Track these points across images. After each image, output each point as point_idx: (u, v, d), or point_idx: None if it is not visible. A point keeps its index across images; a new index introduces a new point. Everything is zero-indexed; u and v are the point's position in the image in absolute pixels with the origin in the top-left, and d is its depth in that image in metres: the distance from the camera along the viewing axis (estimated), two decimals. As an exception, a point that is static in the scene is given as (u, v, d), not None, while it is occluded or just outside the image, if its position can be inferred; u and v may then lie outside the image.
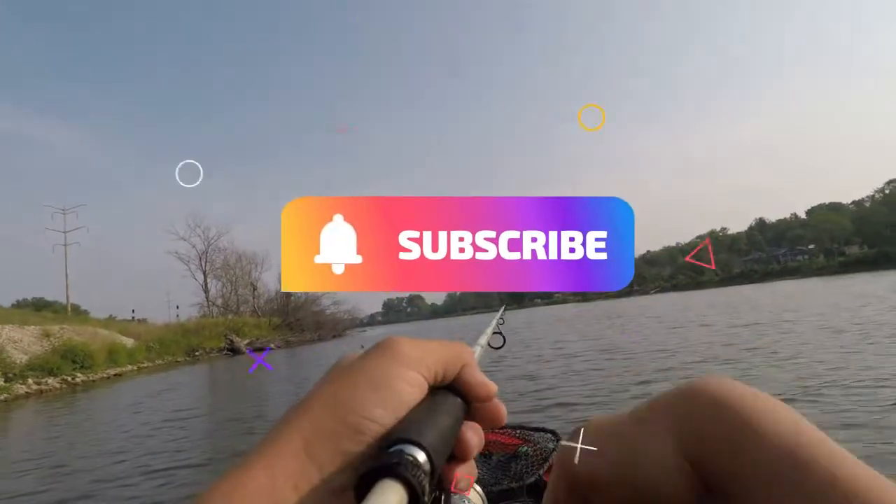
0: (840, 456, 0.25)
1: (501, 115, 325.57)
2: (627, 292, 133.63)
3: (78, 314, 47.12)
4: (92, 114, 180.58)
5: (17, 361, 19.84)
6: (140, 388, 17.87)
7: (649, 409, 0.35)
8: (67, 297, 51.60)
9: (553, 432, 2.30)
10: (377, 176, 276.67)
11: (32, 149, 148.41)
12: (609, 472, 0.33)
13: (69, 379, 20.51)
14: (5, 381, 17.40)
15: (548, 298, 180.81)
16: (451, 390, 0.32)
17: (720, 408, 0.30)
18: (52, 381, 19.41)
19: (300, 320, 54.89)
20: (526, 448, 2.20)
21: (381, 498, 0.21)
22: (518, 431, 2.45)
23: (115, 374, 24.03)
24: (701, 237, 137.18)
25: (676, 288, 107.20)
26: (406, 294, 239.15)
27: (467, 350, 0.34)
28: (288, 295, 58.62)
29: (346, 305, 64.19)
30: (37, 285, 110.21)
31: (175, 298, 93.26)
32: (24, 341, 23.00)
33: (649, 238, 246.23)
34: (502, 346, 0.88)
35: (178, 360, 34.69)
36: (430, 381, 0.30)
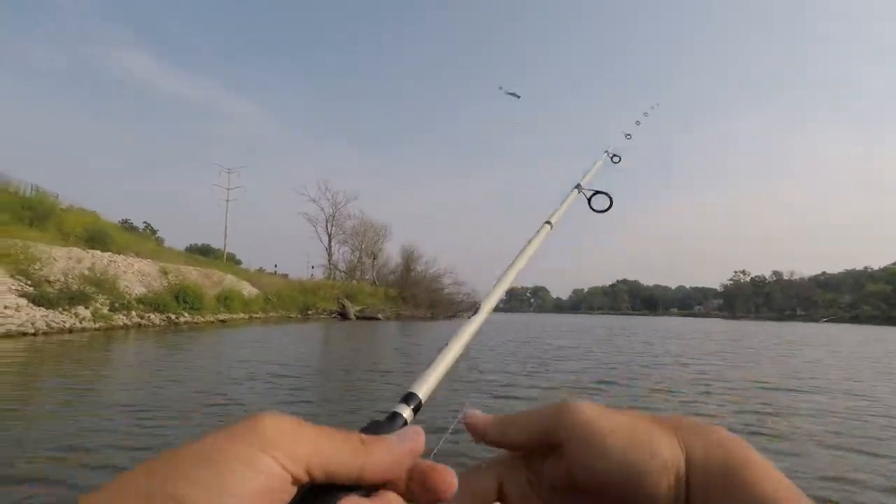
0: None
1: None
2: (789, 317, 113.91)
3: (233, 263, 52.34)
4: (271, 92, 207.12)
5: (132, 293, 20.90)
6: (240, 336, 17.54)
7: (652, 416, 0.33)
8: (224, 246, 57.53)
9: None
10: (498, 162, 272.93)
11: (218, 118, 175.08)
12: (613, 469, 0.31)
13: (173, 317, 21.21)
14: (109, 310, 18.09)
15: (687, 309, 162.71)
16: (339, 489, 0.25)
17: (726, 441, 0.30)
18: (154, 317, 20.07)
19: (416, 295, 54.44)
20: None
21: None
22: None
23: (221, 320, 24.77)
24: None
25: (857, 320, 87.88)
26: (531, 285, 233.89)
27: (374, 447, 0.26)
28: (408, 268, 58.84)
29: (466, 287, 62.54)
30: (207, 234, 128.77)
31: (314, 259, 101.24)
32: (151, 275, 24.61)
33: (825, 257, 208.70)
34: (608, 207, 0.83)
35: (291, 315, 35.74)
36: (298, 474, 0.23)
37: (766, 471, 0.28)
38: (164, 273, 24.47)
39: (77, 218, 25.86)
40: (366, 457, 0.25)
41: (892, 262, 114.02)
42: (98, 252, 22.70)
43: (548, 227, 0.69)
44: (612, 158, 1.07)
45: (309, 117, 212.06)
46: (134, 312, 19.25)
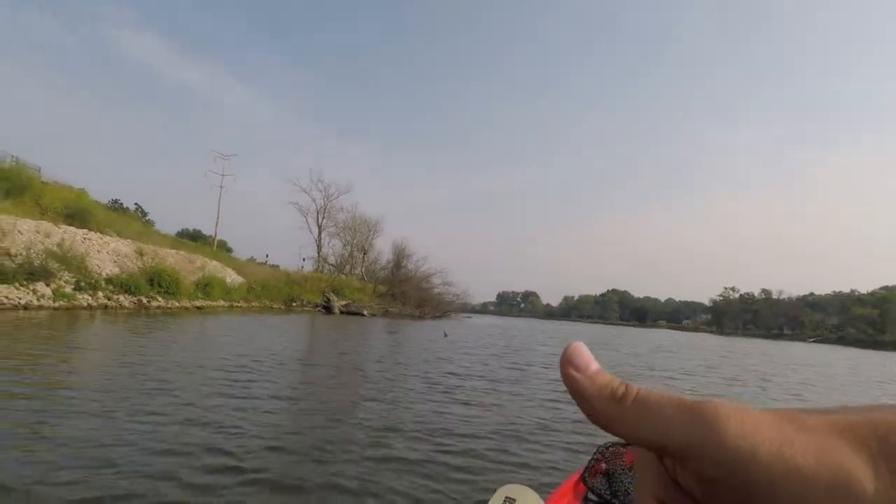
0: None
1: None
2: (777, 335, 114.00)
3: (223, 250, 51.12)
4: (271, 81, 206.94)
5: (102, 272, 19.81)
6: (213, 324, 16.56)
7: (850, 423, 0.21)
8: (216, 233, 56.10)
9: None
10: (499, 164, 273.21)
11: (214, 104, 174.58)
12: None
13: (144, 301, 20.12)
14: (74, 289, 17.01)
15: (676, 323, 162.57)
16: None
17: None
18: (123, 299, 18.98)
19: (405, 292, 53.45)
20: None
21: None
22: None
23: (198, 307, 23.68)
24: (890, 288, 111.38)
25: (843, 341, 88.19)
26: (521, 290, 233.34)
27: None
28: (398, 266, 57.87)
29: (457, 288, 61.62)
30: (200, 220, 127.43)
31: (306, 252, 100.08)
32: (128, 256, 23.50)
33: (814, 278, 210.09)
34: None
35: (274, 306, 34.66)
36: None
37: None
38: (140, 254, 23.34)
39: (57, 193, 24.65)
40: None
41: (881, 286, 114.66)
42: (72, 228, 21.56)
43: None
44: None
45: (335, 114, 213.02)
46: (101, 293, 18.14)
